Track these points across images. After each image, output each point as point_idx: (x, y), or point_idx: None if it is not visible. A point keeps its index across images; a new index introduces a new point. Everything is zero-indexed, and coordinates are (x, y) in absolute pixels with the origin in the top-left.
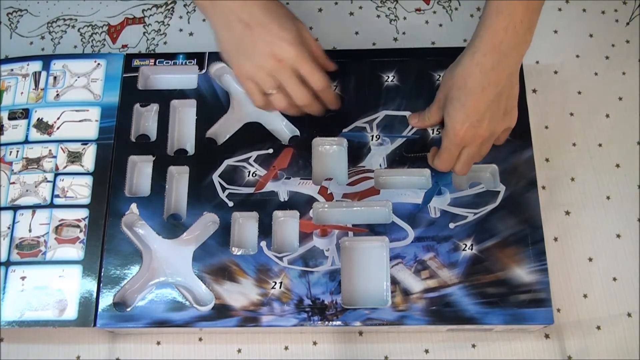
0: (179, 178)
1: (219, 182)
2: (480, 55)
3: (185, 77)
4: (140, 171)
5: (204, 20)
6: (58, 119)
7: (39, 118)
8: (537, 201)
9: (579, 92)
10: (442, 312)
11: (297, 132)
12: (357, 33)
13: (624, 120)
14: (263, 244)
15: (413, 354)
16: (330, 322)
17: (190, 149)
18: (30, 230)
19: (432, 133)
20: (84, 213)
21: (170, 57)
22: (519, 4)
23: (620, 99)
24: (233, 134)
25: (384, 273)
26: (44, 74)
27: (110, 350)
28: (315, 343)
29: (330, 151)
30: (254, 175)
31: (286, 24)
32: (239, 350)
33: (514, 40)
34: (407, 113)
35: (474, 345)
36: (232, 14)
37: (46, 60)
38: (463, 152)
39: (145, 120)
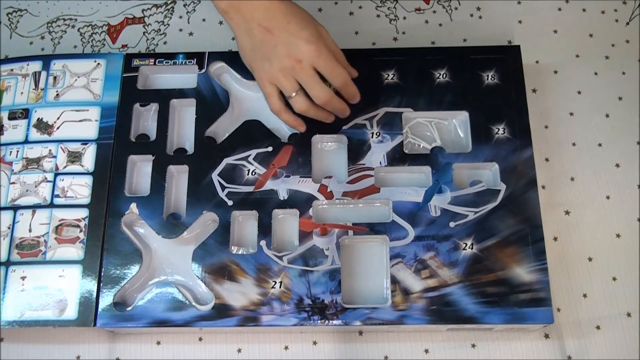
0: (179, 177)
1: (219, 181)
2: None
3: (184, 77)
4: (140, 171)
5: (204, 20)
6: (58, 118)
7: (39, 118)
8: (537, 201)
9: (579, 92)
10: (442, 311)
11: (297, 130)
12: (357, 33)
13: (624, 120)
14: (263, 243)
15: (413, 353)
16: (330, 322)
17: (190, 148)
18: (30, 230)
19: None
20: (84, 213)
21: (170, 56)
22: None
23: (620, 98)
24: (232, 133)
25: (384, 272)
26: (44, 74)
27: (110, 350)
28: (315, 343)
29: (330, 149)
30: (253, 173)
31: (305, 24)
32: (239, 350)
33: None
34: (407, 110)
35: (473, 345)
36: (253, 19)
37: (46, 60)
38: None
39: (145, 119)
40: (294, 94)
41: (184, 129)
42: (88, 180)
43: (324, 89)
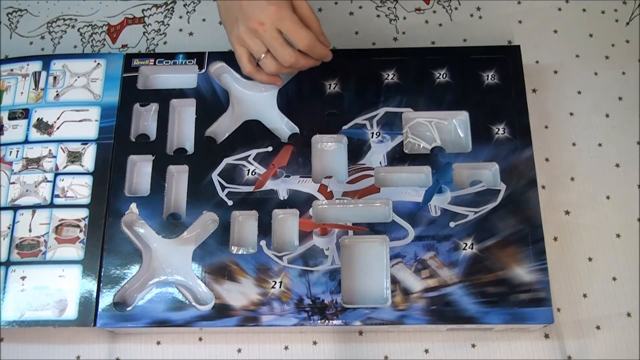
0: (179, 177)
1: (219, 181)
2: None
3: (184, 77)
4: (139, 171)
5: (204, 20)
6: (58, 118)
7: (39, 118)
8: (537, 200)
9: (579, 92)
10: (442, 311)
11: (297, 130)
12: (357, 33)
13: (624, 120)
14: (263, 243)
15: (413, 353)
16: (330, 322)
17: (190, 148)
18: (30, 230)
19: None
20: (84, 213)
21: (170, 56)
22: None
23: (620, 98)
24: (232, 133)
25: (384, 272)
26: (44, 74)
27: (110, 350)
28: (315, 343)
29: (330, 149)
30: (253, 173)
31: None
32: (239, 350)
33: None
34: (407, 110)
35: (473, 345)
36: None
37: (46, 60)
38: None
39: (145, 119)
40: (262, 56)
41: (184, 129)
42: (88, 180)
43: (288, 51)
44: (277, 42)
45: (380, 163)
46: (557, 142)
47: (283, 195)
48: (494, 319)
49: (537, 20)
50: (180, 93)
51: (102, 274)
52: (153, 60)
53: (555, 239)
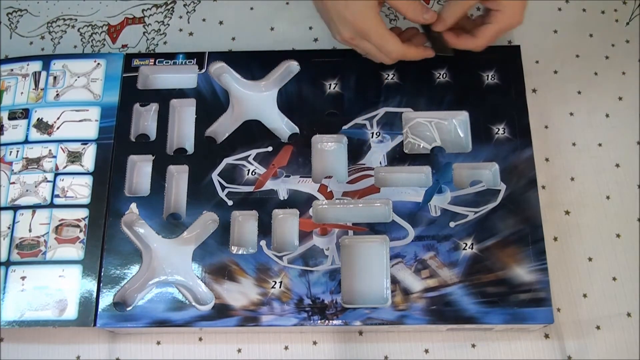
0: (179, 177)
1: (219, 181)
2: None
3: (184, 77)
4: (139, 171)
5: (204, 20)
6: (58, 118)
7: (39, 118)
8: (537, 200)
9: (579, 92)
10: (442, 311)
11: (297, 130)
12: None
13: (624, 120)
14: (263, 243)
15: (413, 353)
16: (330, 322)
17: (190, 148)
18: (30, 230)
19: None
20: (84, 213)
21: (170, 56)
22: None
23: (620, 99)
24: (232, 133)
25: (384, 272)
26: (43, 74)
27: (110, 350)
28: (315, 343)
29: (330, 149)
30: (253, 173)
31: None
32: (239, 350)
33: None
34: (407, 110)
35: (473, 345)
36: None
37: (46, 60)
38: None
39: (145, 119)
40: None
41: (184, 129)
42: (88, 180)
43: (384, 56)
44: (372, 50)
45: (380, 163)
46: (557, 142)
47: (283, 195)
48: (494, 319)
49: (537, 20)
50: (180, 93)
51: (102, 274)
52: (153, 60)
53: (555, 239)
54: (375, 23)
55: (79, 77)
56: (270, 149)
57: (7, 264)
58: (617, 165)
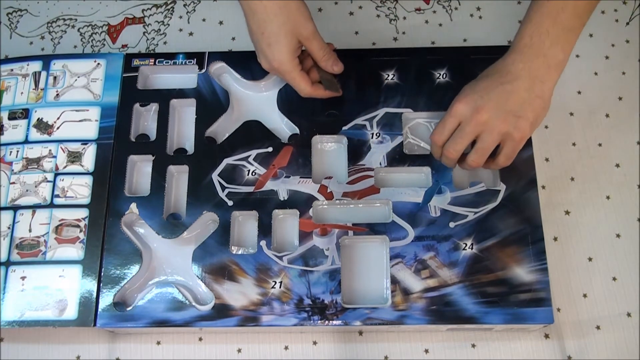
0: (179, 177)
1: (219, 181)
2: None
3: (184, 77)
4: (139, 171)
5: (204, 20)
6: (58, 118)
7: (39, 118)
8: (537, 200)
9: (579, 92)
10: (442, 311)
11: (297, 130)
12: (357, 33)
13: (624, 120)
14: (263, 243)
15: (413, 353)
16: (330, 322)
17: (190, 148)
18: (30, 230)
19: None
20: (84, 213)
21: (170, 56)
22: (553, 12)
23: (620, 99)
24: (232, 133)
25: (384, 272)
26: (43, 74)
27: (110, 350)
28: (315, 343)
29: (330, 149)
30: (253, 174)
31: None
32: (239, 350)
33: (538, 49)
34: (407, 110)
35: (473, 345)
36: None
37: (46, 60)
38: (455, 134)
39: (145, 119)
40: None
41: (184, 129)
42: (88, 180)
43: (300, 90)
44: (290, 81)
45: (380, 164)
46: (557, 142)
47: (283, 195)
48: (494, 319)
49: None
50: (180, 93)
51: (102, 274)
52: (153, 60)
53: (555, 239)
54: (290, 68)
55: (79, 77)
56: (270, 149)
57: (7, 264)
58: (617, 165)
